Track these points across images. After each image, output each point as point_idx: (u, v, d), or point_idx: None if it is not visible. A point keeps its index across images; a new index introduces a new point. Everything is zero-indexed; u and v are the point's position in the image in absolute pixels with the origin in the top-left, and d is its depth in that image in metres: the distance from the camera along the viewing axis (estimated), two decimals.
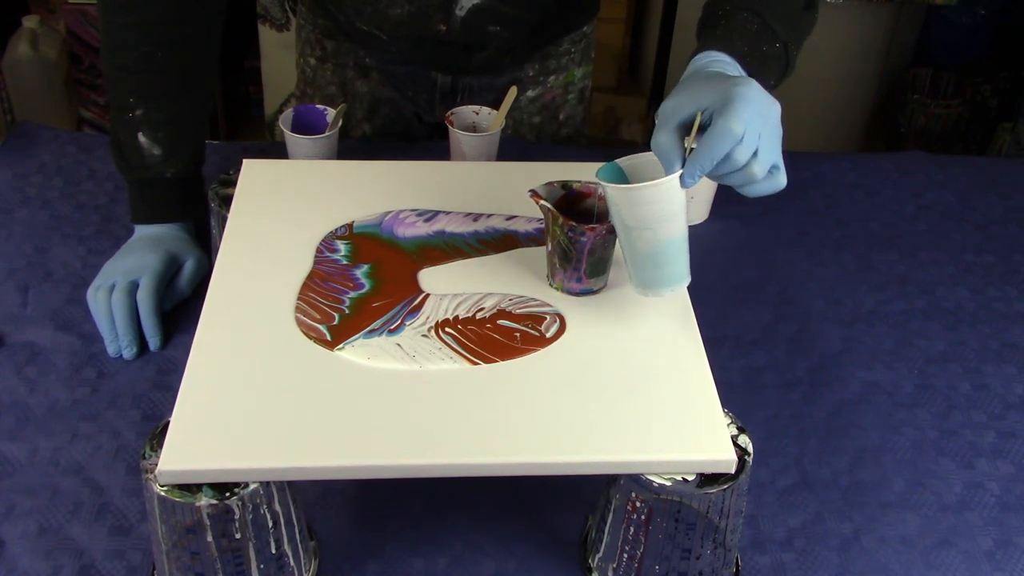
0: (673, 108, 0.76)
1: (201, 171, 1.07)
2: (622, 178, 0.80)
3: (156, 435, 0.70)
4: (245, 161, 0.98)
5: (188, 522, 0.67)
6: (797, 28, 0.90)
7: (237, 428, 0.70)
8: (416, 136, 1.34)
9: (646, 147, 0.79)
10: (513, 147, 1.25)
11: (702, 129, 0.75)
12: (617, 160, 0.80)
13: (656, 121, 0.77)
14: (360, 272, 0.85)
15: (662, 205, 0.76)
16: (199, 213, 1.07)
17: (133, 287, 0.97)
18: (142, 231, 1.04)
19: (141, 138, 1.01)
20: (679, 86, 0.80)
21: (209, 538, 0.67)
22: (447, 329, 0.79)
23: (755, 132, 0.73)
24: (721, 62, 0.84)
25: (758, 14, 0.87)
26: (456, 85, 1.27)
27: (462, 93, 1.28)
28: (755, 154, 0.74)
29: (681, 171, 0.75)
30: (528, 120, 1.33)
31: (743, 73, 0.84)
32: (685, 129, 0.76)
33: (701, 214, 1.18)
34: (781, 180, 0.79)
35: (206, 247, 1.05)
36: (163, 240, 1.02)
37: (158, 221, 1.03)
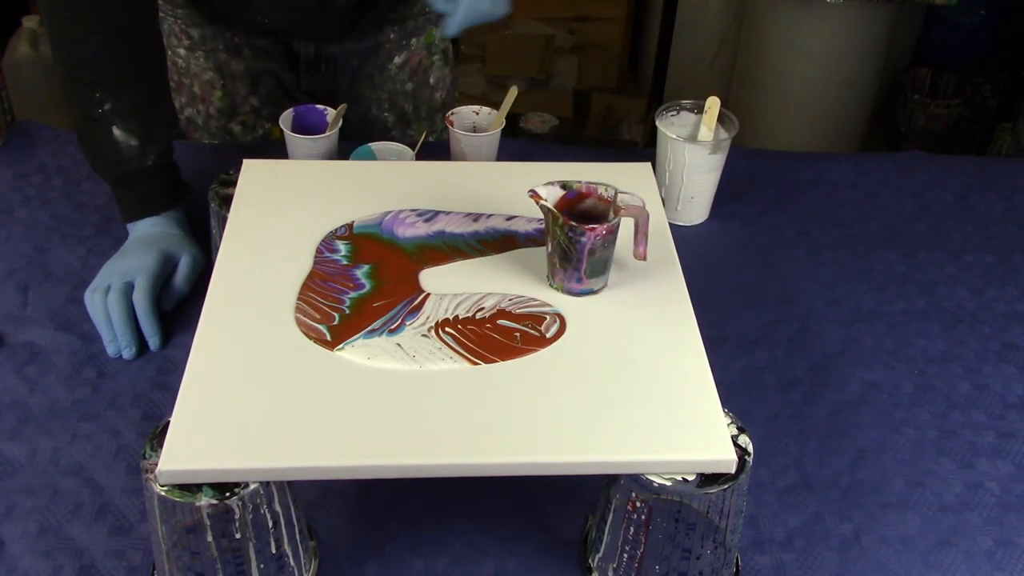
0: None
1: (174, 159, 1.07)
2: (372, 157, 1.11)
3: (156, 435, 0.70)
4: (245, 161, 0.98)
5: (188, 522, 0.67)
6: None
7: (237, 428, 0.70)
8: (300, 101, 1.35)
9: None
10: (513, 147, 1.25)
11: None
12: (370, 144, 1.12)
13: None
14: (360, 272, 0.85)
15: None
16: (185, 200, 1.07)
17: (129, 288, 0.97)
18: (137, 232, 1.04)
19: (116, 132, 1.01)
20: None
21: (209, 538, 0.68)
22: (447, 329, 0.79)
23: None
24: None
25: None
26: (319, 55, 1.30)
27: (326, 63, 1.31)
28: None
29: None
30: (402, 88, 1.35)
31: None
32: None
33: (701, 214, 1.18)
34: None
35: (201, 241, 1.05)
36: (158, 240, 1.02)
37: (149, 214, 1.03)
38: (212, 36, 1.27)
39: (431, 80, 1.37)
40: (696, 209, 1.17)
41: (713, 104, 1.11)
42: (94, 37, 0.98)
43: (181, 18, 1.25)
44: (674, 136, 1.11)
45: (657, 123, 1.13)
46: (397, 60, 1.33)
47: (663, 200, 1.10)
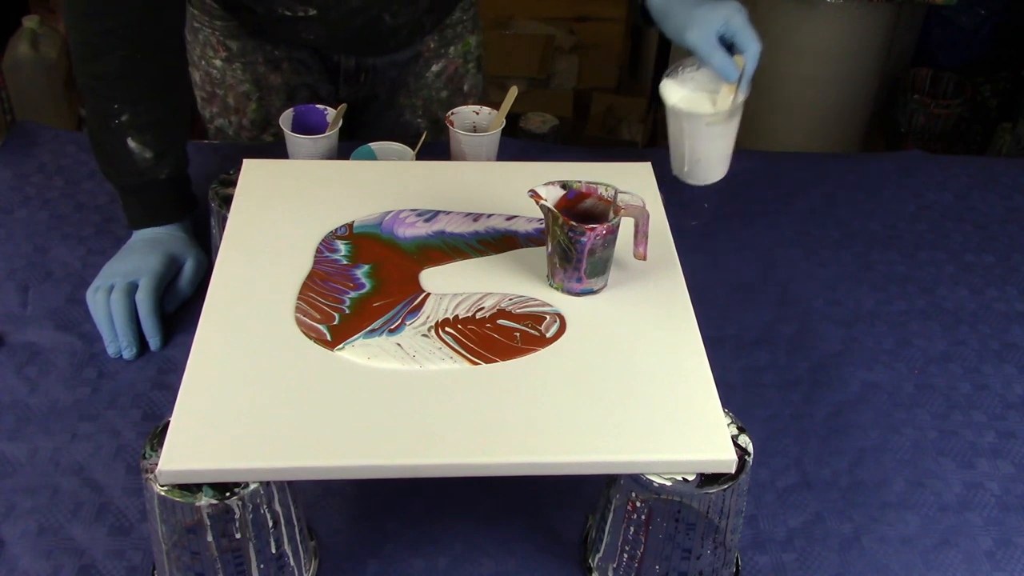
0: (708, 34, 1.01)
1: (187, 170, 1.07)
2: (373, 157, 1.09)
3: (156, 435, 0.70)
4: (245, 161, 0.98)
5: (188, 522, 0.67)
6: None
7: (237, 428, 0.70)
8: None
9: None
10: (513, 147, 1.25)
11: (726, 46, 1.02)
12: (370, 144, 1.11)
13: (701, 44, 1.01)
14: (360, 272, 0.85)
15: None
16: (194, 211, 1.07)
17: (132, 288, 0.97)
18: (140, 233, 1.04)
19: (130, 143, 1.00)
20: (682, 14, 1.03)
21: (209, 538, 0.68)
22: (447, 329, 0.79)
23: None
24: None
25: None
26: (360, 65, 1.29)
27: (365, 73, 1.30)
28: None
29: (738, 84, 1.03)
30: (437, 96, 1.35)
31: None
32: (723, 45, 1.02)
33: (720, 171, 1.13)
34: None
35: (204, 246, 1.05)
36: (162, 241, 1.02)
37: (156, 223, 1.03)
38: (251, 49, 1.26)
39: (465, 88, 1.37)
40: (716, 166, 1.11)
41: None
42: (118, 52, 0.97)
43: (220, 30, 1.25)
44: (684, 107, 1.05)
45: (666, 81, 1.07)
46: (435, 68, 1.32)
47: (670, 159, 1.08)
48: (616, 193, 0.82)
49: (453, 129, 1.11)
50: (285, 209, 0.92)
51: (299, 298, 0.82)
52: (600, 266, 0.83)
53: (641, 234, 0.85)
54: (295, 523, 0.72)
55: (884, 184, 1.28)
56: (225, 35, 1.25)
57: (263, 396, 0.72)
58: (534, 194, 0.82)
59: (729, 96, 1.04)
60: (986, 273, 1.14)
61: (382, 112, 1.33)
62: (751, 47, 1.02)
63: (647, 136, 2.64)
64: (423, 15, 1.22)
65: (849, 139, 2.49)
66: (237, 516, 0.67)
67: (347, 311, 0.81)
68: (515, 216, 0.93)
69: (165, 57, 1.02)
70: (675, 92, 1.07)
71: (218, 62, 1.27)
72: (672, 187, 1.10)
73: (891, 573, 0.81)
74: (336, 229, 0.90)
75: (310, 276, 0.84)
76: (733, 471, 0.70)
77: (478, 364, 0.76)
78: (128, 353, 0.95)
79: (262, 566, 0.70)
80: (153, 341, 0.96)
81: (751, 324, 1.04)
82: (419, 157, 1.09)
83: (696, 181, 1.13)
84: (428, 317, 0.80)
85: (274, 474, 0.68)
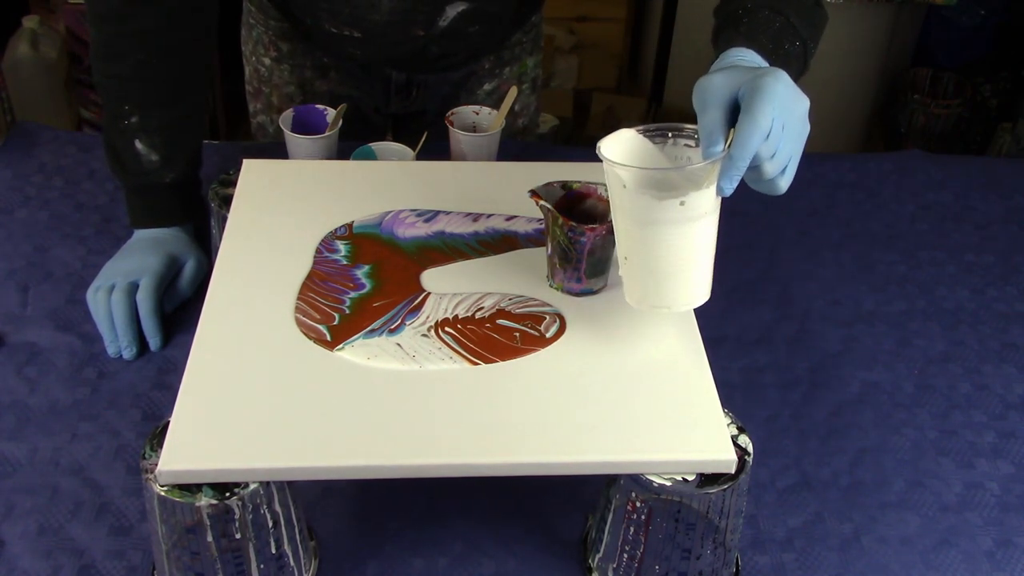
0: (716, 87, 0.73)
1: (199, 174, 1.07)
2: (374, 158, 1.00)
3: (156, 435, 0.70)
4: (245, 161, 0.98)
5: (188, 522, 0.67)
6: (814, 26, 0.89)
7: (237, 428, 0.70)
8: (377, 128, 1.35)
9: None
10: (513, 147, 1.25)
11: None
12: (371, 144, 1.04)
13: (696, 101, 0.74)
14: (360, 272, 0.85)
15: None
16: (198, 216, 1.07)
17: (133, 288, 0.97)
18: (142, 232, 1.04)
19: (138, 144, 1.00)
20: (712, 72, 0.77)
21: (209, 538, 0.68)
22: (447, 329, 0.79)
23: (779, 126, 0.72)
24: (748, 59, 0.81)
25: (779, 12, 0.85)
26: (411, 80, 1.28)
27: (417, 88, 1.29)
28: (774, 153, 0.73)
29: (722, 154, 0.71)
30: None
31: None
32: (728, 110, 0.72)
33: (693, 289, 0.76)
34: (781, 184, 0.77)
35: (206, 248, 1.05)
36: (163, 241, 1.02)
37: (158, 225, 1.03)
38: (301, 53, 1.25)
39: (516, 107, 1.35)
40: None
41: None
42: (134, 56, 0.97)
43: (273, 30, 1.24)
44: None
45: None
46: (487, 87, 1.31)
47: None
48: None
49: (453, 129, 1.11)
50: (285, 209, 0.92)
51: (299, 298, 0.82)
52: (600, 266, 0.83)
53: None
54: (295, 523, 0.72)
55: (884, 184, 1.28)
56: (277, 35, 1.25)
57: (263, 396, 0.72)
58: (534, 194, 0.82)
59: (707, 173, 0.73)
60: (986, 273, 1.14)
61: (428, 127, 1.32)
62: (747, 119, 0.70)
63: None
64: (476, 46, 1.20)
65: (849, 139, 2.49)
66: (237, 516, 0.67)
67: (347, 311, 0.81)
68: (515, 216, 0.93)
69: (181, 64, 1.01)
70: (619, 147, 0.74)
71: (267, 60, 1.27)
72: None
73: (891, 573, 0.81)
74: (336, 229, 0.90)
75: (310, 276, 0.84)
76: (733, 471, 0.70)
77: (478, 364, 0.76)
78: (128, 353, 0.95)
79: (262, 566, 0.70)
80: (153, 341, 0.96)
81: (751, 324, 1.04)
82: (419, 157, 1.09)
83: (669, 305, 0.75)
84: (428, 317, 0.80)
85: (274, 474, 0.68)
